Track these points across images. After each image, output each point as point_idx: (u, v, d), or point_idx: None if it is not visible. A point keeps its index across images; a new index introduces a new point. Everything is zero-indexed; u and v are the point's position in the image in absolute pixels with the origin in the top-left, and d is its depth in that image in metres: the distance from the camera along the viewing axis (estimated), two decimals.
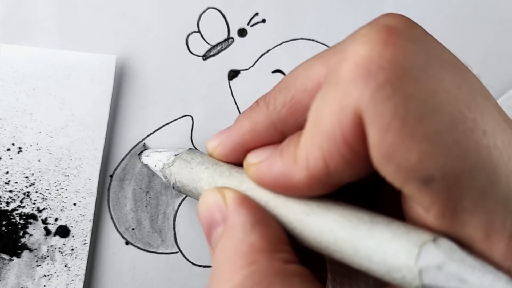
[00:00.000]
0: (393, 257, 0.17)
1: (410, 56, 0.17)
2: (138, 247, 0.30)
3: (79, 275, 0.29)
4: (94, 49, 0.30)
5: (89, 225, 0.29)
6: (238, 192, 0.22)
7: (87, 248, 0.29)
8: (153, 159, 0.29)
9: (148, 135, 0.30)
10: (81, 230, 0.29)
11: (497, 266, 0.17)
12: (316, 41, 0.32)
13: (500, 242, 0.17)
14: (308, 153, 0.19)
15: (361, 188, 0.22)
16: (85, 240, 0.29)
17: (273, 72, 0.31)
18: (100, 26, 0.30)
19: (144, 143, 0.30)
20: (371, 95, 0.17)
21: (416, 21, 0.32)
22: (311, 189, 0.19)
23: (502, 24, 0.33)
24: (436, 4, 0.32)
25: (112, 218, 0.30)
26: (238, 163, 0.23)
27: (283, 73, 0.31)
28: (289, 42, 0.31)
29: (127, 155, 0.30)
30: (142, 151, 0.30)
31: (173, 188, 0.26)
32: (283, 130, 0.21)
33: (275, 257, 0.19)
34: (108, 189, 0.30)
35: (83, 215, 0.29)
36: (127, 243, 0.30)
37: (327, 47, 0.32)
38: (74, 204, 0.29)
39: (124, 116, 0.30)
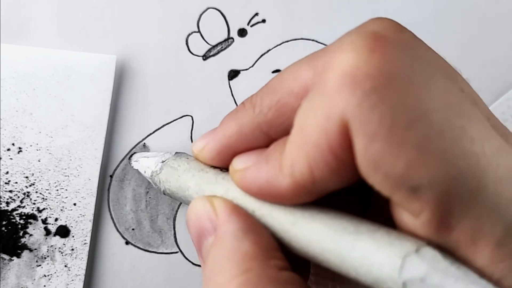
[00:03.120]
0: (378, 269, 0.17)
1: (397, 63, 0.17)
2: (138, 247, 0.30)
3: (79, 275, 0.29)
4: (94, 49, 0.30)
5: (89, 225, 0.29)
6: (228, 201, 0.21)
7: (87, 248, 0.29)
8: (142, 165, 0.28)
9: (148, 135, 0.30)
10: (81, 230, 0.29)
11: (481, 271, 0.17)
12: (316, 41, 0.32)
13: (486, 247, 0.17)
14: (293, 161, 0.19)
15: (352, 192, 0.22)
16: (85, 240, 0.29)
17: (273, 72, 0.31)
18: (100, 26, 0.30)
19: (144, 143, 0.30)
20: (358, 104, 0.17)
21: (416, 21, 0.32)
22: (296, 197, 0.19)
23: (501, 25, 0.33)
24: (434, 5, 0.32)
25: (112, 218, 0.30)
26: (225, 167, 0.23)
27: None
28: (289, 42, 0.31)
29: (127, 155, 0.30)
30: (131, 155, 0.30)
31: (164, 194, 0.26)
32: (269, 133, 0.21)
33: (269, 264, 0.19)
34: (108, 189, 0.30)
35: (83, 215, 0.29)
36: (127, 243, 0.30)
37: None
38: (74, 204, 0.29)
39: (124, 116, 0.30)
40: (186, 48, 0.31)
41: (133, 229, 0.30)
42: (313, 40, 0.32)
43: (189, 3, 0.30)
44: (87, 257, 0.29)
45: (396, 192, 0.17)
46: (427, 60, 0.18)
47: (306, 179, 0.18)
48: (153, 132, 0.30)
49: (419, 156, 0.16)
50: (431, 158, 0.16)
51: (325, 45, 0.32)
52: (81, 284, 0.29)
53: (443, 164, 0.16)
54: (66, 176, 0.29)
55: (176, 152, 0.27)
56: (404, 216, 0.18)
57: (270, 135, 0.21)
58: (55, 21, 0.29)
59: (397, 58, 0.17)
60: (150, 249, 0.30)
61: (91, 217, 0.29)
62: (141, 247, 0.30)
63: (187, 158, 0.25)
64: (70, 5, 0.29)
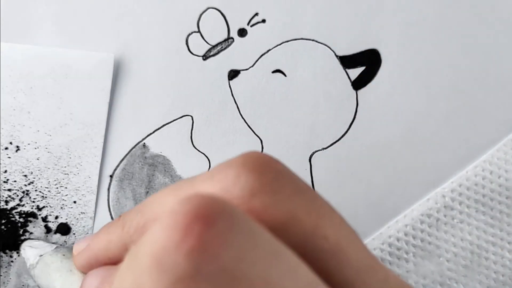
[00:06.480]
0: None
1: (215, 250, 0.15)
2: None
3: None
4: (92, 47, 0.29)
5: (89, 223, 0.30)
6: None
7: None
8: (25, 255, 0.28)
9: (148, 135, 0.30)
10: (82, 228, 0.29)
11: None
12: (316, 41, 0.31)
13: None
14: None
15: None
16: None
17: (273, 72, 0.31)
18: (98, 24, 0.29)
19: (144, 143, 0.30)
20: None
21: (416, 21, 0.32)
22: None
23: (502, 24, 0.33)
24: (435, 4, 0.32)
25: (112, 218, 0.30)
26: None
27: (283, 73, 0.31)
28: (289, 42, 0.31)
29: (126, 155, 0.30)
30: (24, 240, 0.29)
31: None
32: None
33: None
34: (108, 189, 0.30)
35: (84, 213, 0.30)
36: None
37: (327, 47, 0.32)
38: (74, 202, 0.29)
39: (124, 116, 0.30)
40: (186, 48, 0.30)
41: None
42: (313, 40, 0.31)
43: (189, 3, 0.30)
44: None
45: None
46: (263, 241, 0.16)
47: None
48: (153, 132, 0.30)
49: None
50: None
51: (325, 45, 0.32)
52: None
53: None
54: (65, 174, 0.29)
55: (56, 247, 0.27)
56: None
57: None
58: (54, 20, 0.29)
59: (216, 244, 0.15)
60: None
61: (92, 215, 0.30)
62: None
63: (63, 255, 0.26)
64: (69, 4, 0.29)
